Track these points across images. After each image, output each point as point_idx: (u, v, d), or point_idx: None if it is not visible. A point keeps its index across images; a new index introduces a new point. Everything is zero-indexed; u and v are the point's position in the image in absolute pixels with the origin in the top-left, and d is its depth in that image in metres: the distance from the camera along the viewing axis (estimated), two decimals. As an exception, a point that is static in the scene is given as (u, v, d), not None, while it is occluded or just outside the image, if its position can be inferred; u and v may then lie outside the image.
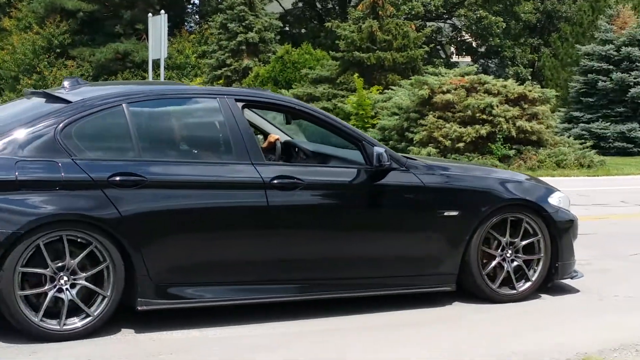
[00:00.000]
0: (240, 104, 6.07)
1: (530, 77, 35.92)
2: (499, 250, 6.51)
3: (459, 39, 41.36)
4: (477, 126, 18.64)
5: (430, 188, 6.30)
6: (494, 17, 37.10)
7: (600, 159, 20.14)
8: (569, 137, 21.32)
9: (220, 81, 30.28)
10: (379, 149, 6.13)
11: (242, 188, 5.81)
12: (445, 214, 6.29)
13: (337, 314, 6.08)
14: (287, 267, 5.90)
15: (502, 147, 18.59)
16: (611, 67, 24.90)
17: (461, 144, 18.49)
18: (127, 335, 5.47)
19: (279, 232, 5.88)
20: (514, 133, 18.54)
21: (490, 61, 40.44)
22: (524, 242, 6.56)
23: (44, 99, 6.05)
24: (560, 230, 6.65)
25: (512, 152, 18.64)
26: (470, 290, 6.50)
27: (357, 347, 5.38)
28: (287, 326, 5.80)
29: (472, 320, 6.09)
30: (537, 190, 6.77)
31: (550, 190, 6.87)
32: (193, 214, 5.66)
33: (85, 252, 5.35)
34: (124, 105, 5.75)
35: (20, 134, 5.45)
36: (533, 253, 6.61)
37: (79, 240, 5.34)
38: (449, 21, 40.89)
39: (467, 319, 6.10)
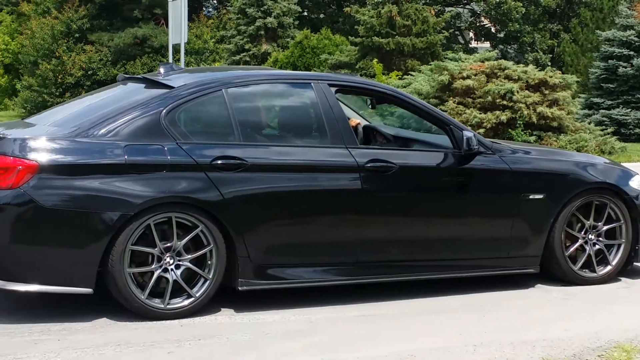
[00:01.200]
0: (333, 89, 6.19)
1: (549, 63, 35.72)
2: (582, 233, 6.64)
3: (477, 24, 41.13)
4: (498, 112, 18.53)
5: (516, 172, 6.43)
6: (513, 2, 36.86)
7: (621, 146, 20.02)
8: (589, 124, 21.17)
9: (240, 66, 30.21)
10: (468, 133, 6.25)
11: (338, 171, 5.94)
12: (531, 197, 6.44)
13: (377, 299, 6.13)
14: (380, 249, 6.06)
15: (522, 133, 18.48)
16: (632, 53, 24.63)
17: (481, 130, 18.37)
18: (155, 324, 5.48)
19: (372, 214, 6.02)
20: (534, 119, 18.43)
21: (509, 47, 40.21)
22: (606, 227, 6.69)
23: (143, 85, 6.20)
24: None
25: (532, 139, 18.53)
26: (553, 272, 6.64)
27: (387, 334, 5.36)
28: (328, 311, 5.82)
29: (513, 306, 6.12)
30: (617, 173, 6.89)
31: (630, 173, 6.99)
32: (291, 197, 5.81)
33: (191, 234, 5.52)
34: (223, 90, 5.88)
35: (127, 118, 5.58)
36: (614, 237, 6.73)
37: (183, 222, 5.50)
38: (467, 6, 40.67)
39: (507, 305, 6.13)
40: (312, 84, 6.18)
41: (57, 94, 33.33)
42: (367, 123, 7.23)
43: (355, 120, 7.09)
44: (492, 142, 6.66)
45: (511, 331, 5.43)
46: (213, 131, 5.93)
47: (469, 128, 6.51)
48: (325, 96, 6.12)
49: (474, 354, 4.95)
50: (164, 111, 5.66)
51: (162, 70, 6.43)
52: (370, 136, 7.08)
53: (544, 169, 6.59)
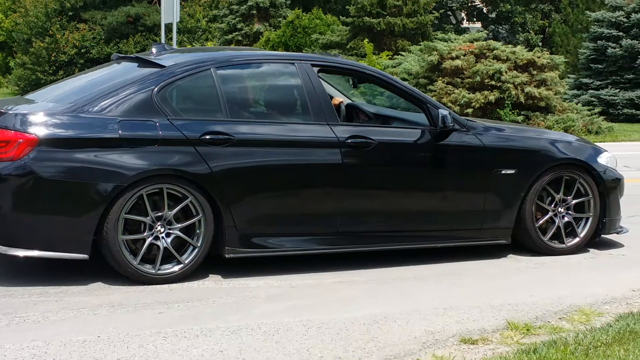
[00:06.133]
0: (316, 69, 6.54)
1: (540, 44, 35.98)
2: (552, 207, 6.99)
3: (469, 4, 41.34)
4: (486, 92, 18.87)
5: (489, 148, 6.79)
6: (505, -17, 37.07)
7: (608, 126, 20.37)
8: (578, 104, 21.50)
9: (232, 45, 30.44)
10: (443, 111, 6.60)
11: (319, 147, 6.29)
12: (503, 172, 6.79)
13: (355, 267, 6.50)
14: (359, 221, 6.41)
15: (510, 113, 18.82)
16: (621, 33, 24.98)
17: (470, 110, 18.73)
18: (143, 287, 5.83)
19: (352, 187, 6.38)
20: (522, 99, 18.76)
21: (500, 27, 40.45)
22: (575, 200, 7.04)
23: (136, 64, 6.54)
24: (608, 188, 7.14)
25: (520, 118, 18.86)
26: (524, 243, 7.02)
27: (362, 298, 5.72)
28: (307, 278, 6.18)
29: (484, 274, 6.49)
30: (587, 150, 7.26)
31: (599, 150, 7.35)
32: (275, 170, 6.16)
33: (181, 205, 5.87)
34: (212, 69, 6.21)
35: (121, 96, 5.92)
36: (583, 210, 7.10)
37: (174, 193, 5.86)
38: (460, -14, 40.84)
39: (478, 274, 6.48)
40: (295, 64, 6.52)
41: (51, 72, 33.52)
42: (349, 101, 7.55)
43: (338, 99, 7.42)
44: (467, 119, 6.99)
45: (480, 296, 5.79)
46: (202, 108, 6.28)
47: (445, 106, 6.84)
48: (308, 75, 6.45)
49: (443, 316, 5.31)
50: (156, 89, 5.99)
51: (154, 50, 6.78)
52: (352, 114, 7.42)
53: (515, 146, 6.93)
